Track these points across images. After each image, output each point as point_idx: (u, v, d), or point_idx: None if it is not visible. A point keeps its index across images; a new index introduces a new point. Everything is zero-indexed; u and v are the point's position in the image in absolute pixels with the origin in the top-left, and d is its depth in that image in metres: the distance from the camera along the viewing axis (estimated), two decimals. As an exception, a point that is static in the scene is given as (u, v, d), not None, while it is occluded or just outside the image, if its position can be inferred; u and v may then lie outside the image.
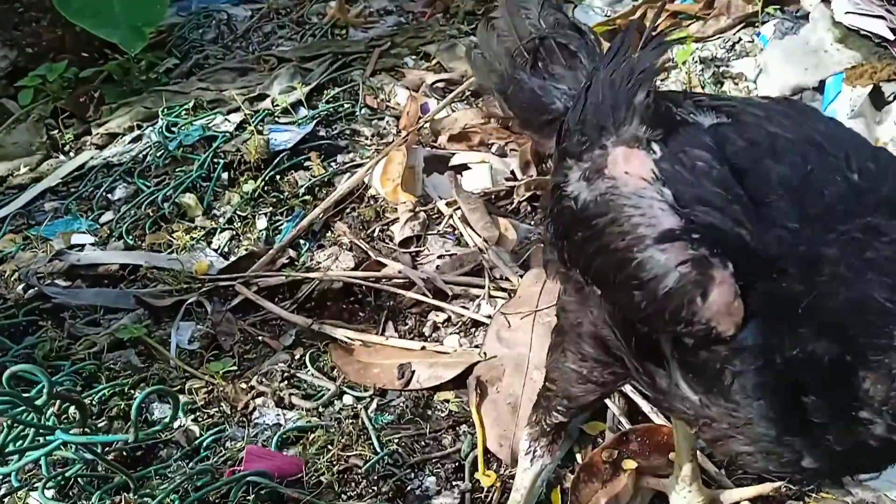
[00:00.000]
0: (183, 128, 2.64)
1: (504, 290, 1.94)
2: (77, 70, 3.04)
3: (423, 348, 1.77)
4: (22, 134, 2.88)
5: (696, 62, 2.86)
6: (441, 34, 3.26)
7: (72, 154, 2.82)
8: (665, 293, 0.88)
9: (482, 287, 1.94)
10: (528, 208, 2.29)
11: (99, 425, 1.54)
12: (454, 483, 1.48)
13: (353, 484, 1.46)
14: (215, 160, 2.45)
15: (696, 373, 0.92)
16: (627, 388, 1.60)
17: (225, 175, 2.41)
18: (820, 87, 2.48)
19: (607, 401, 1.60)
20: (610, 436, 1.54)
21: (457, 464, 1.51)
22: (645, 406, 1.58)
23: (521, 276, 1.95)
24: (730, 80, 2.79)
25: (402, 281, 1.99)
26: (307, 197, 2.33)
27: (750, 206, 0.89)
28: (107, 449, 1.45)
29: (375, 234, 2.21)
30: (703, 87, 2.80)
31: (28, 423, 1.17)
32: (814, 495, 1.36)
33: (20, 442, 1.26)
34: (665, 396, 0.97)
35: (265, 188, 2.37)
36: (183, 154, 2.50)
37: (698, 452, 1.37)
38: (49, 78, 2.98)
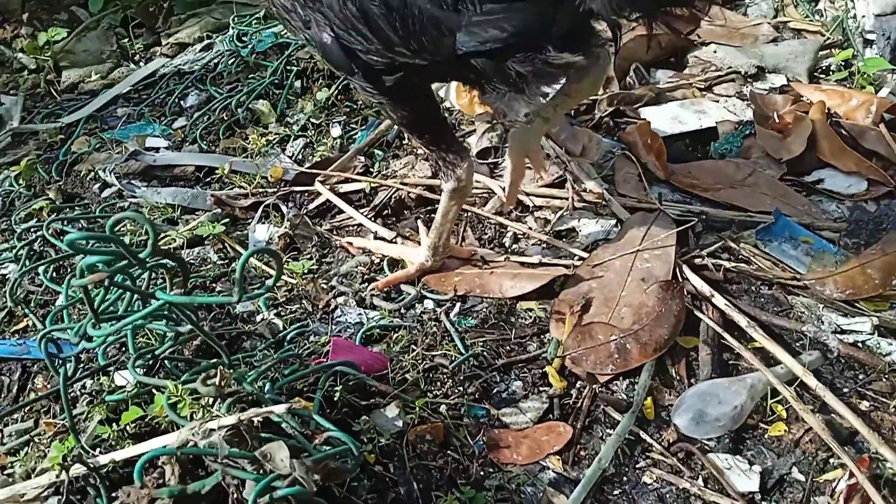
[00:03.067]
0: (254, 36, 2.58)
1: (588, 202, 1.87)
2: (147, -23, 3.00)
3: (507, 259, 1.72)
4: (92, 42, 2.86)
5: (788, -24, 2.69)
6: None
7: (142, 63, 2.79)
8: None
9: (565, 199, 1.87)
10: (611, 123, 2.19)
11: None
12: (541, 388, 1.44)
13: (438, 383, 1.43)
14: (288, 67, 2.40)
15: None
16: (721, 302, 1.54)
17: (298, 83, 2.37)
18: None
19: (701, 315, 1.54)
20: (704, 348, 1.48)
21: (542, 370, 1.47)
22: (741, 320, 1.51)
23: (606, 189, 1.88)
24: (826, -1, 2.62)
25: (481, 191, 1.93)
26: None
27: None
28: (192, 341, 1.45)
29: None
30: (795, 6, 2.64)
31: (128, 287, 1.15)
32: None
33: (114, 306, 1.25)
34: None
35: (338, 97, 2.31)
36: (256, 61, 2.45)
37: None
38: (118, -16, 2.94)
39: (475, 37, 1.26)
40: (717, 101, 2.28)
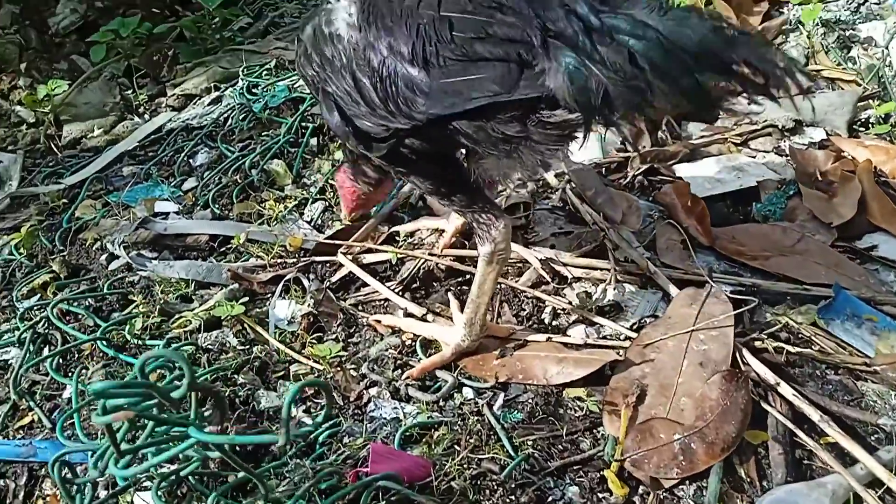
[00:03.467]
0: (266, 89, 2.47)
1: (631, 273, 1.75)
2: (150, 26, 2.89)
3: (549, 339, 1.60)
4: (94, 93, 2.75)
5: (818, 25, 2.60)
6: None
7: (147, 116, 2.68)
8: None
9: (606, 270, 1.75)
10: (645, 182, 2.09)
11: (204, 413, 1.40)
12: (600, 495, 1.31)
13: (487, 491, 1.30)
14: (303, 124, 2.29)
15: None
16: (788, 392, 1.42)
17: (314, 140, 2.25)
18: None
19: (768, 406, 1.42)
20: (775, 446, 1.36)
21: (600, 472, 1.34)
22: (813, 413, 1.39)
23: (648, 258, 1.77)
24: (857, 46, 2.53)
25: (515, 262, 1.82)
26: (403, 166, 2.15)
27: None
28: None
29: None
30: (826, 53, 2.55)
31: (161, 419, 1.02)
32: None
33: (139, 438, 1.12)
34: None
35: (357, 155, 2.19)
36: (268, 117, 2.33)
37: None
38: (122, 33, 2.84)
39: (441, 103, 1.23)
40: (755, 157, 2.18)
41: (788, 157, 2.13)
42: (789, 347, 1.54)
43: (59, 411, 1.53)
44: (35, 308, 1.80)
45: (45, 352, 1.65)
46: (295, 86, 2.43)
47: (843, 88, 2.38)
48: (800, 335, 1.59)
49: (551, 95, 1.15)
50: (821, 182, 2.02)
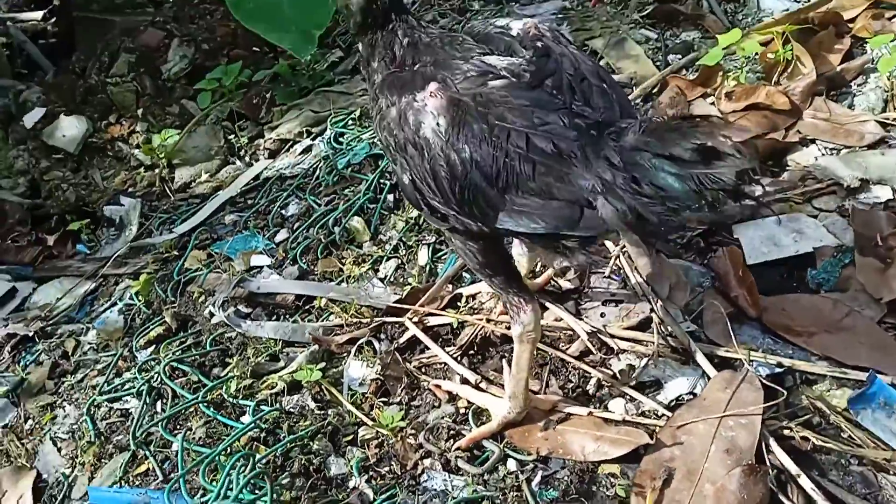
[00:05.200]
0: (350, 142, 2.69)
1: (675, 349, 1.87)
2: (250, 73, 3.16)
3: (590, 414, 1.75)
4: (201, 137, 3.05)
5: (901, 66, 2.54)
6: (608, 26, 3.10)
7: (247, 158, 2.96)
8: None
9: (651, 343, 1.88)
10: (701, 244, 2.17)
11: (282, 481, 1.66)
12: (623, 576, 1.47)
13: (518, 567, 1.49)
14: (381, 181, 2.49)
15: None
16: (808, 484, 1.52)
17: (390, 197, 2.45)
18: None
19: (784, 499, 1.53)
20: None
21: (625, 554, 1.50)
22: None
23: (691, 335, 1.87)
24: (941, 91, 2.47)
25: (565, 330, 1.97)
26: (470, 223, 2.33)
27: None
28: None
29: (537, 269, 2.18)
30: (907, 97, 2.51)
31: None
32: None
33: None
34: None
35: (429, 212, 2.38)
36: (351, 174, 2.55)
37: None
38: (225, 81, 3.11)
39: (513, 221, 1.47)
40: (817, 216, 2.21)
41: (850, 219, 2.15)
42: (815, 437, 1.63)
43: (168, 462, 1.82)
44: (150, 361, 2.11)
45: (159, 405, 1.95)
46: (374, 141, 2.63)
47: (917, 140, 2.35)
48: (830, 421, 1.67)
49: (606, 229, 1.41)
50: (880, 248, 2.04)
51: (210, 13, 3.60)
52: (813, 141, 2.44)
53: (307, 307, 2.20)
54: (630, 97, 2.67)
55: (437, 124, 1.47)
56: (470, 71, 1.50)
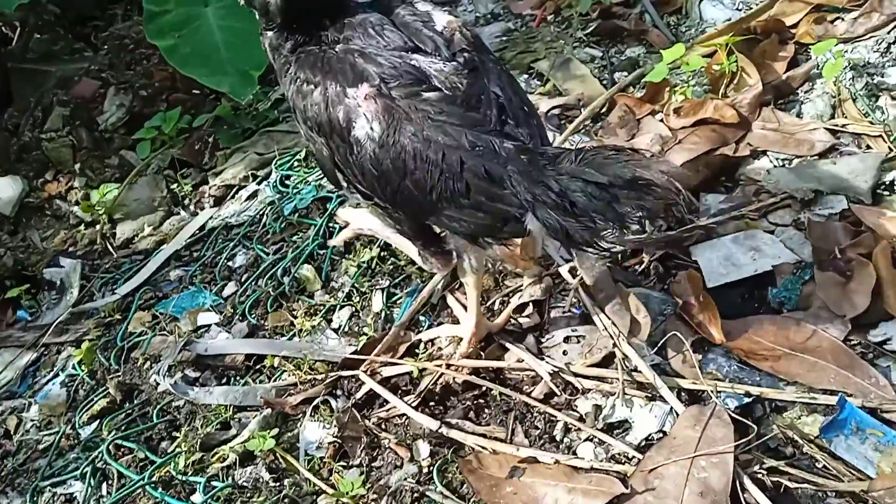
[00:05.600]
0: (297, 184, 2.60)
1: (641, 384, 1.80)
2: (190, 118, 3.06)
3: (557, 462, 1.68)
4: (143, 189, 2.94)
5: (847, 68, 2.53)
6: (553, 46, 3.05)
7: (191, 207, 2.85)
8: None
9: (616, 380, 1.81)
10: (661, 269, 2.12)
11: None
12: None
13: None
14: (330, 225, 2.41)
15: None
16: None
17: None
18: None
19: None
20: None
21: None
22: None
23: (656, 368, 1.82)
24: (886, 94, 2.45)
25: (528, 373, 1.90)
26: (424, 263, 2.25)
27: None
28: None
29: (496, 308, 2.11)
30: (854, 100, 2.49)
31: None
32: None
33: None
34: None
35: (381, 254, 2.30)
36: (298, 219, 2.47)
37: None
38: (165, 128, 3.01)
39: (440, 222, 1.61)
40: (773, 231, 2.17)
41: (806, 233, 2.11)
42: (790, 470, 1.57)
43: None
44: (95, 438, 1.99)
45: (104, 487, 1.84)
46: (320, 182, 2.55)
47: (868, 146, 2.32)
48: (804, 451, 1.62)
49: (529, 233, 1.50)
50: (839, 261, 2.01)
51: (147, 57, 3.48)
52: (764, 153, 2.42)
53: (258, 366, 2.10)
54: (579, 119, 2.63)
55: (372, 129, 1.50)
56: (404, 75, 1.52)
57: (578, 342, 1.96)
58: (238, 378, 2.08)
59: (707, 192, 2.32)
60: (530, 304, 2.07)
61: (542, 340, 1.99)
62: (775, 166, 2.35)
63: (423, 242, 1.78)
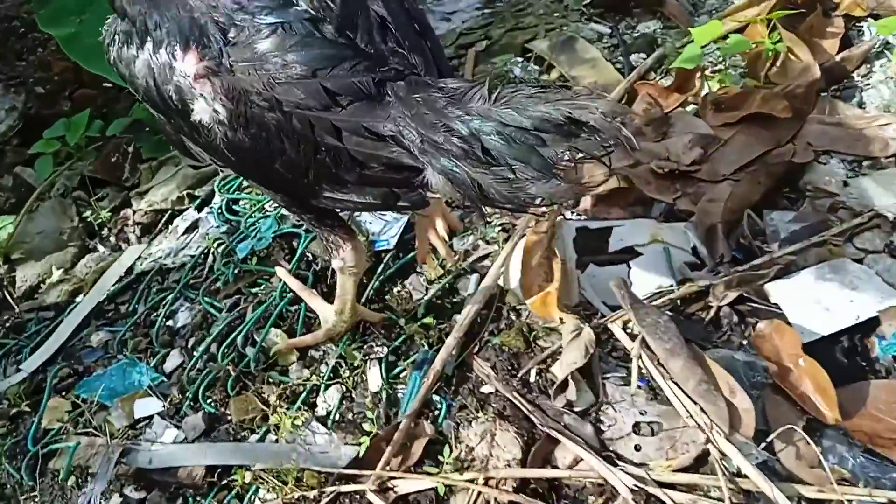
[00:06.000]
0: (250, 212, 2.04)
1: (747, 493, 1.37)
2: (102, 124, 2.42)
3: None
4: (47, 217, 2.32)
5: (910, 46, 2.12)
6: (549, 21, 2.54)
7: (111, 240, 2.26)
8: None
9: (717, 489, 1.37)
10: (734, 319, 1.68)
11: None
12: None
13: None
14: (301, 270, 1.87)
15: None
16: None
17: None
18: None
19: None
20: None
21: None
22: None
23: (763, 468, 1.38)
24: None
25: (596, 480, 1.44)
26: (428, 319, 1.74)
27: None
28: None
29: (532, 381, 1.63)
30: (923, 84, 2.08)
31: None
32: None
33: None
34: None
35: (371, 308, 1.79)
36: (257, 266, 1.91)
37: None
38: (70, 138, 2.37)
39: (324, 203, 1.34)
40: (862, 260, 1.76)
41: (906, 264, 1.70)
42: None
43: None
44: None
45: None
46: (279, 214, 1.99)
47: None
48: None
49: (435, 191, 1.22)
50: (955, 300, 1.61)
51: (42, 44, 2.79)
52: (827, 153, 1.99)
53: (225, 481, 1.57)
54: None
55: (215, 111, 1.21)
56: (242, 28, 1.17)
57: (654, 432, 1.50)
58: (199, 499, 1.55)
59: (770, 209, 1.88)
60: (573, 374, 1.60)
61: (603, 429, 1.53)
62: (846, 171, 1.93)
63: (316, 215, 1.49)
